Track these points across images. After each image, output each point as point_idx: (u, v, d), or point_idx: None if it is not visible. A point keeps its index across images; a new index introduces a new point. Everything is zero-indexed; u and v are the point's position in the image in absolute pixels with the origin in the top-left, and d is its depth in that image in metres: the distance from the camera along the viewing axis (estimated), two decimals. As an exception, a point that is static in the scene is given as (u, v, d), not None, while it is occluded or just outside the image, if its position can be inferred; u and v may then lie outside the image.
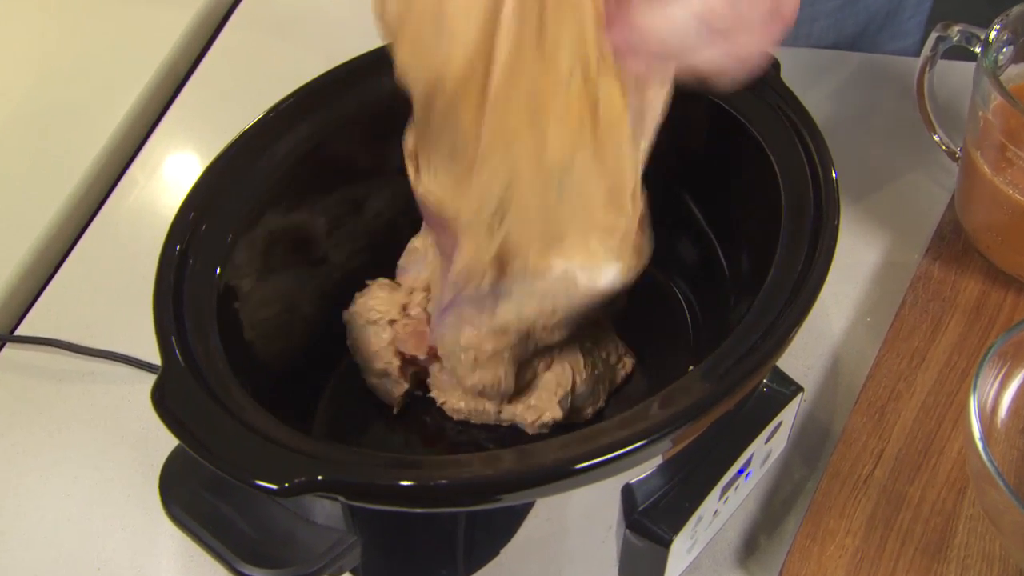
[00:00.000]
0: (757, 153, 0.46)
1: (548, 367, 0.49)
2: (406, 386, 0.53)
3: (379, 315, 0.52)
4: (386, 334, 0.52)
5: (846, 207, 0.57)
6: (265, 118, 0.49)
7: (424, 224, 0.52)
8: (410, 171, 0.42)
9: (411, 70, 0.37)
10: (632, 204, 0.39)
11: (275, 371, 0.49)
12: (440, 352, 0.49)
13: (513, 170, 0.37)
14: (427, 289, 0.53)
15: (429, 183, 0.41)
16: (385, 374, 0.52)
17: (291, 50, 0.85)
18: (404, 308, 0.52)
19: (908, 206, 0.66)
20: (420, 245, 0.54)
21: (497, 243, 0.39)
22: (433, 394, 0.53)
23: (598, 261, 0.39)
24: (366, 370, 0.53)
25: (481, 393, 0.48)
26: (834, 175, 0.44)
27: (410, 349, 0.52)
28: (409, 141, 0.42)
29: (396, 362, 0.52)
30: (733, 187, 0.52)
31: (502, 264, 0.40)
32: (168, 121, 0.82)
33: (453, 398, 0.52)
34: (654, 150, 0.41)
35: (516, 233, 0.39)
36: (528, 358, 0.48)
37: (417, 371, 0.53)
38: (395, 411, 0.53)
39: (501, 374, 0.47)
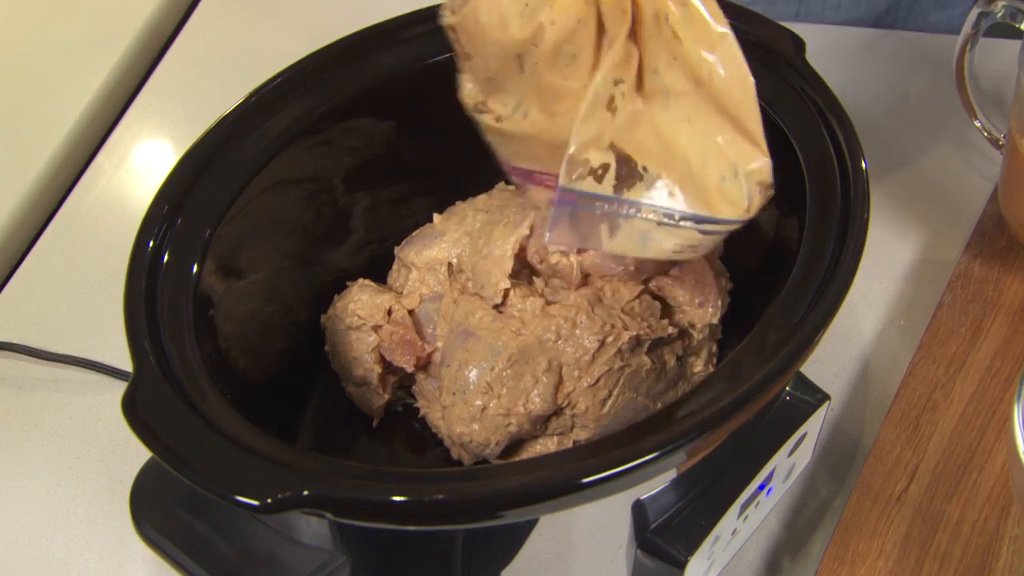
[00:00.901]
0: (779, 141, 0.47)
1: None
2: (387, 397, 0.53)
3: (361, 320, 0.53)
4: (370, 339, 0.52)
5: (877, 199, 0.58)
6: (246, 102, 0.50)
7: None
8: (486, 119, 0.43)
9: (494, 30, 0.39)
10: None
11: (257, 378, 0.49)
12: (444, 383, 0.49)
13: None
14: (417, 292, 0.54)
15: (520, 123, 0.42)
16: (364, 382, 0.53)
17: (272, 27, 0.86)
18: (389, 312, 0.53)
19: (946, 198, 0.66)
20: (439, 225, 0.55)
21: (616, 125, 0.40)
22: (418, 404, 0.54)
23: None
24: (344, 378, 0.54)
25: (461, 445, 0.49)
26: (863, 164, 0.44)
27: (398, 360, 0.52)
28: (474, 94, 0.43)
29: (377, 369, 0.52)
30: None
31: (622, 162, 0.41)
32: (138, 105, 0.82)
33: (436, 414, 0.52)
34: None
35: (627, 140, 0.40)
36: (528, 438, 0.49)
37: (400, 380, 0.54)
38: (375, 423, 0.54)
39: (493, 441, 0.48)
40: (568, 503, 0.36)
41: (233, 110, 0.50)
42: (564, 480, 0.36)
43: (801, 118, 0.47)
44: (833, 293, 0.40)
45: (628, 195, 0.40)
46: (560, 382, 0.48)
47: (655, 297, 0.51)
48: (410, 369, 0.52)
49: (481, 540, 0.42)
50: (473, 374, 0.47)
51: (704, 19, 0.38)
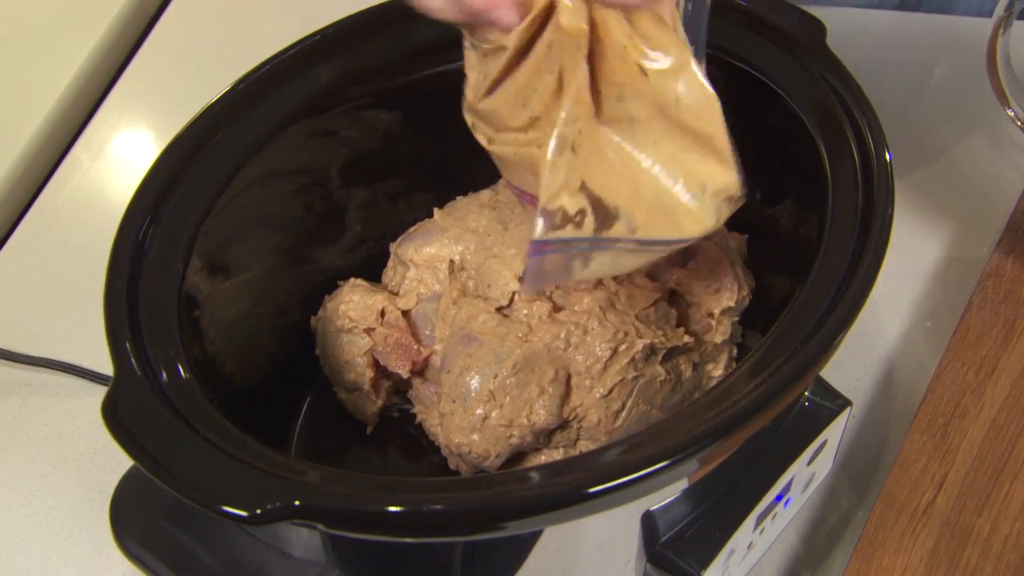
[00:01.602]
0: (798, 131, 0.47)
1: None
2: (380, 402, 0.54)
3: (352, 323, 0.53)
4: (362, 342, 0.53)
5: (902, 193, 0.58)
6: (234, 90, 0.50)
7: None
8: (479, 138, 0.44)
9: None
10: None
11: (246, 382, 0.50)
12: (444, 390, 0.50)
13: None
14: (415, 291, 0.54)
15: (502, 148, 0.43)
16: (356, 387, 0.54)
17: (261, 11, 0.86)
18: (382, 314, 0.53)
19: (976, 191, 0.66)
20: (440, 220, 0.55)
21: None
22: (415, 410, 0.54)
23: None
24: (335, 383, 0.55)
25: (459, 456, 0.49)
26: (887, 156, 0.45)
27: (392, 364, 0.53)
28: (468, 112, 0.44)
29: (369, 374, 0.53)
30: (770, 171, 0.53)
31: (597, 205, 0.42)
32: (117, 93, 0.83)
33: (433, 420, 0.53)
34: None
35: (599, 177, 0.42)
36: (530, 451, 0.49)
37: (395, 384, 0.55)
38: (368, 430, 0.54)
39: (493, 454, 0.48)
40: (574, 514, 0.37)
41: (220, 98, 0.50)
42: (570, 489, 0.36)
43: (821, 107, 0.47)
44: (854, 293, 0.41)
45: (608, 234, 0.42)
46: (568, 394, 0.48)
47: (670, 303, 0.52)
48: (405, 375, 0.53)
49: (482, 553, 0.43)
50: (475, 381, 0.48)
51: (668, 46, 0.40)
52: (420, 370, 0.53)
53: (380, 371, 0.53)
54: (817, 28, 0.49)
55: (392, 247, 0.57)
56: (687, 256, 0.52)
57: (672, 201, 0.42)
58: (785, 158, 0.51)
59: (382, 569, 0.44)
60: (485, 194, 0.57)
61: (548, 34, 0.40)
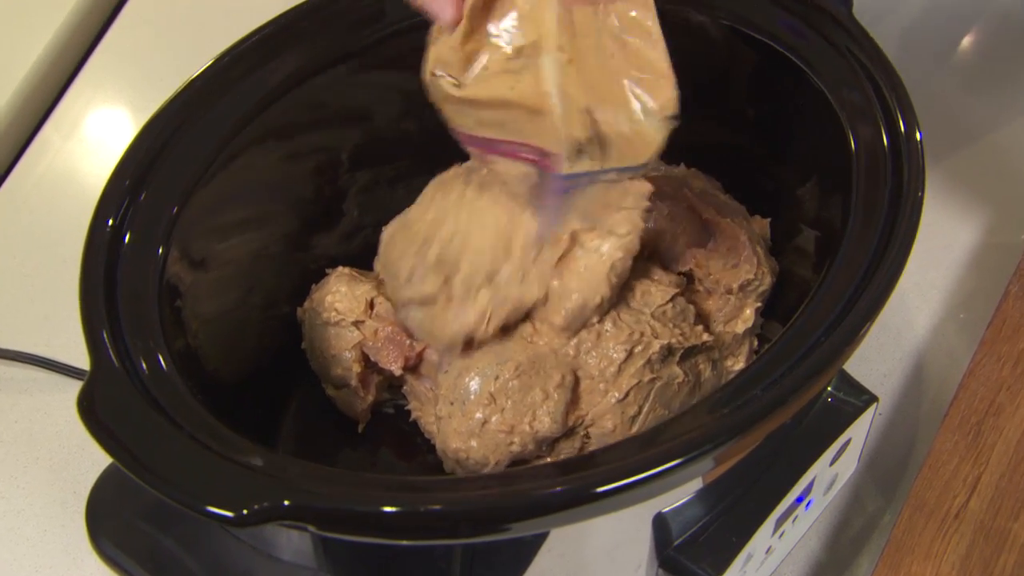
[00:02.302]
0: (821, 108, 0.47)
1: None
2: (371, 399, 0.54)
3: (339, 315, 0.53)
4: (350, 335, 0.53)
5: (934, 175, 0.58)
6: (218, 63, 0.50)
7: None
8: (445, 86, 0.45)
9: None
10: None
11: (232, 376, 0.50)
12: (442, 391, 0.50)
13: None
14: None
15: (485, 86, 0.45)
16: (344, 383, 0.54)
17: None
18: (370, 304, 0.53)
19: (1013, 173, 0.67)
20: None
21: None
22: (409, 406, 0.54)
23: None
24: (323, 378, 0.55)
25: (457, 462, 0.49)
26: (918, 135, 0.45)
27: (383, 360, 0.53)
28: (445, 57, 0.45)
29: (356, 369, 0.53)
30: (791, 151, 0.53)
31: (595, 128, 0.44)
32: (91, 67, 0.83)
33: (429, 418, 0.53)
34: (690, 107, 0.43)
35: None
36: (531, 459, 0.49)
37: (386, 380, 0.55)
38: (360, 428, 0.55)
39: (492, 461, 0.48)
40: (582, 514, 0.37)
41: (203, 72, 0.50)
42: (578, 488, 0.36)
43: (846, 82, 0.47)
44: (882, 281, 0.41)
45: (609, 165, 0.44)
46: (575, 400, 0.48)
47: (686, 291, 0.52)
48: (398, 372, 0.53)
49: (483, 557, 0.43)
50: (475, 383, 0.48)
51: None
52: (414, 366, 0.53)
53: (370, 366, 0.54)
54: (842, -4, 0.50)
55: (384, 230, 0.57)
56: (708, 235, 0.53)
57: (635, 124, 0.44)
58: (808, 137, 0.51)
59: (377, 574, 0.44)
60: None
61: None
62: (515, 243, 0.49)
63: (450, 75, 0.45)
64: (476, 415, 0.47)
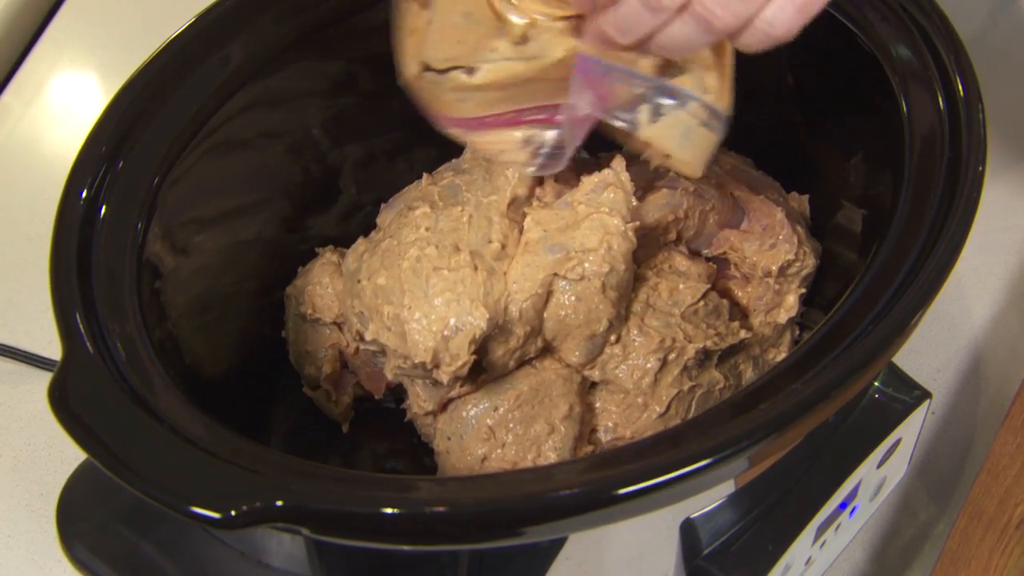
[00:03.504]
0: (871, 73, 0.48)
1: None
2: (346, 401, 0.55)
3: (317, 313, 0.54)
4: (328, 334, 0.53)
5: (996, 149, 0.58)
6: (202, 20, 0.51)
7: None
8: (459, 78, 0.46)
9: None
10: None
11: (218, 365, 0.51)
12: (439, 424, 0.50)
13: None
14: None
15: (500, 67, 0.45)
16: (315, 383, 0.54)
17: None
18: None
19: (1085, 147, 0.67)
20: (427, 187, 0.55)
21: None
22: (404, 405, 0.54)
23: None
24: (299, 374, 0.55)
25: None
26: (980, 105, 0.45)
27: (366, 382, 0.53)
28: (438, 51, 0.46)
29: (327, 369, 0.53)
30: (837, 120, 0.54)
31: None
32: (55, 27, 0.83)
33: (425, 420, 0.52)
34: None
35: None
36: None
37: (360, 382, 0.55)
38: (344, 429, 0.55)
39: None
40: (602, 518, 0.37)
41: (185, 30, 0.51)
42: (598, 490, 0.36)
43: (899, 44, 0.47)
44: (935, 265, 0.41)
45: (674, 83, 0.45)
46: (587, 434, 0.48)
47: (717, 286, 0.52)
48: (378, 395, 0.53)
49: (492, 565, 0.43)
50: (472, 414, 0.48)
51: None
52: (396, 385, 0.54)
53: (345, 365, 0.54)
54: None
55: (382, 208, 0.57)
56: (740, 214, 0.53)
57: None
58: (856, 105, 0.51)
59: (376, 584, 0.45)
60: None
61: None
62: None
63: (461, 66, 0.45)
64: (475, 451, 0.48)
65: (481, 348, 0.47)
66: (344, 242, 0.56)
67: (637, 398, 0.48)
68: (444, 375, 0.47)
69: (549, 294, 0.48)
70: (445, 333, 0.46)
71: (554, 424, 0.48)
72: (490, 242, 0.48)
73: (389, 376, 0.49)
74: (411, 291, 0.47)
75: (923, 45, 0.47)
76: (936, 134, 0.45)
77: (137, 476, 0.37)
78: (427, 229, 0.49)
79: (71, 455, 0.40)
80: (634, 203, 0.49)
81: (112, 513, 0.44)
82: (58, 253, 0.44)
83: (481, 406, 0.48)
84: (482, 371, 0.49)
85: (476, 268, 0.47)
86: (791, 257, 0.52)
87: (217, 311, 0.51)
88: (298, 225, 0.57)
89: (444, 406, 0.50)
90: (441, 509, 0.36)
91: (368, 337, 0.49)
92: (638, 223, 0.49)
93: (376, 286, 0.48)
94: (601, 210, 0.48)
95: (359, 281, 0.50)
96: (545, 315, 0.48)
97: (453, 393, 0.49)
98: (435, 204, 0.51)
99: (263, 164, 0.54)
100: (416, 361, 0.47)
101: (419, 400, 0.51)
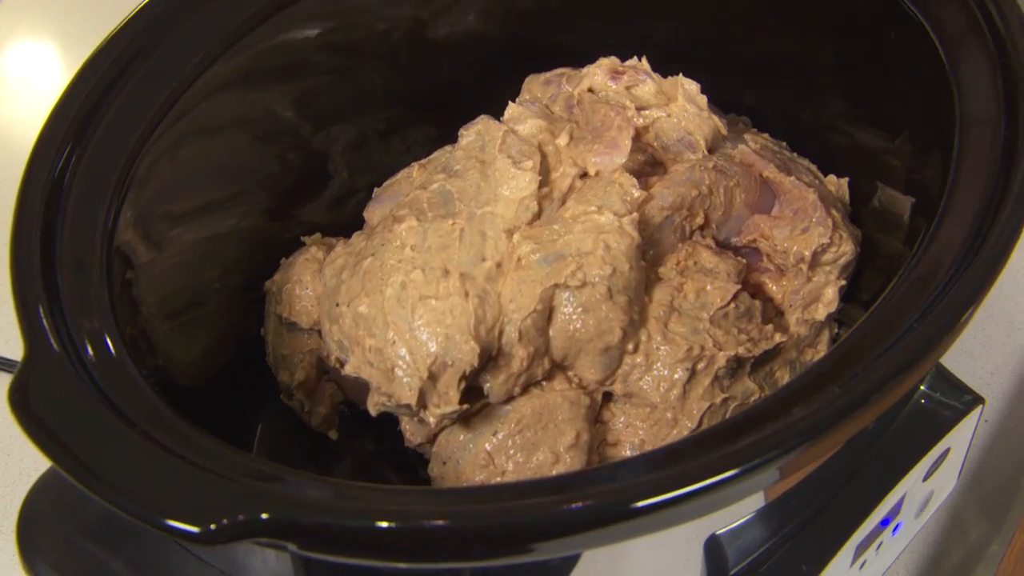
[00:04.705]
0: (917, 41, 0.48)
1: None
2: (323, 411, 0.55)
3: (294, 316, 0.54)
4: (306, 340, 0.54)
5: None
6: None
7: None
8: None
9: None
10: None
11: (196, 365, 0.51)
12: (434, 448, 0.51)
13: None
14: None
15: None
16: (288, 391, 0.55)
17: None
18: None
19: None
20: (417, 177, 0.56)
21: None
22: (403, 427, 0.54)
23: None
24: (276, 377, 0.56)
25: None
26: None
27: (355, 396, 0.54)
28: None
29: (300, 377, 0.54)
30: (878, 95, 0.54)
31: None
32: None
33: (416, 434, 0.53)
34: (743, 51, 0.43)
35: None
36: None
37: (342, 390, 0.56)
38: (332, 437, 0.56)
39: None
40: (618, 534, 0.37)
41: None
42: (614, 503, 0.36)
43: (949, 9, 0.47)
44: (988, 257, 0.41)
45: None
46: (592, 464, 0.48)
47: (747, 281, 0.52)
48: (374, 413, 0.54)
49: (498, 585, 0.44)
50: (469, 438, 0.49)
51: None
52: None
53: (323, 374, 0.55)
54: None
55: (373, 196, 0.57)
56: (771, 197, 0.53)
57: None
58: (899, 78, 0.52)
59: (368, 605, 0.45)
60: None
61: None
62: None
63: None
64: (472, 477, 0.48)
65: (477, 378, 0.48)
66: (338, 230, 0.57)
67: (666, 413, 0.49)
68: (432, 416, 0.47)
69: (551, 309, 0.48)
70: (433, 370, 0.46)
71: (559, 453, 0.48)
72: (483, 260, 0.49)
73: (372, 412, 0.49)
74: (395, 323, 0.47)
75: (976, 10, 0.47)
76: (990, 111, 0.45)
77: (106, 486, 0.37)
78: (413, 248, 0.49)
79: (33, 462, 0.40)
80: (636, 194, 0.49)
81: (79, 527, 0.44)
82: (19, 241, 0.45)
83: (479, 429, 0.49)
84: (482, 396, 0.49)
85: (467, 295, 0.48)
86: (825, 241, 0.52)
87: (195, 305, 0.52)
88: (285, 212, 0.57)
89: (436, 435, 0.51)
90: (441, 523, 0.36)
91: (349, 371, 0.49)
92: (636, 215, 0.49)
93: (357, 314, 0.49)
94: (589, 209, 0.49)
95: (338, 305, 0.50)
96: (552, 333, 0.49)
97: (445, 422, 0.50)
98: (423, 214, 0.51)
99: (245, 144, 0.55)
100: (401, 403, 0.47)
101: (407, 433, 0.51)
